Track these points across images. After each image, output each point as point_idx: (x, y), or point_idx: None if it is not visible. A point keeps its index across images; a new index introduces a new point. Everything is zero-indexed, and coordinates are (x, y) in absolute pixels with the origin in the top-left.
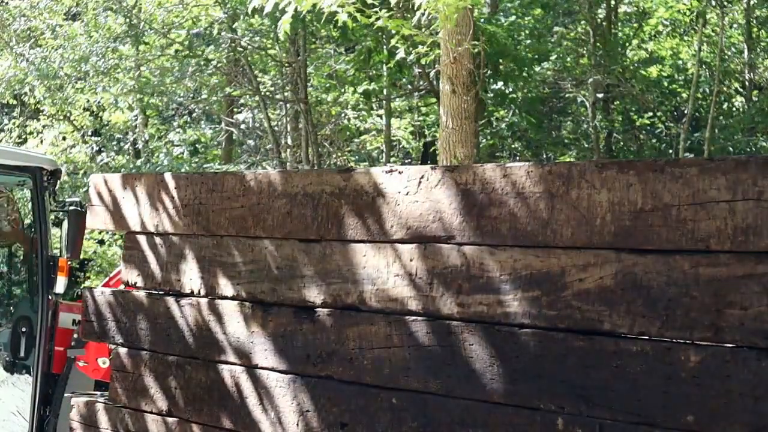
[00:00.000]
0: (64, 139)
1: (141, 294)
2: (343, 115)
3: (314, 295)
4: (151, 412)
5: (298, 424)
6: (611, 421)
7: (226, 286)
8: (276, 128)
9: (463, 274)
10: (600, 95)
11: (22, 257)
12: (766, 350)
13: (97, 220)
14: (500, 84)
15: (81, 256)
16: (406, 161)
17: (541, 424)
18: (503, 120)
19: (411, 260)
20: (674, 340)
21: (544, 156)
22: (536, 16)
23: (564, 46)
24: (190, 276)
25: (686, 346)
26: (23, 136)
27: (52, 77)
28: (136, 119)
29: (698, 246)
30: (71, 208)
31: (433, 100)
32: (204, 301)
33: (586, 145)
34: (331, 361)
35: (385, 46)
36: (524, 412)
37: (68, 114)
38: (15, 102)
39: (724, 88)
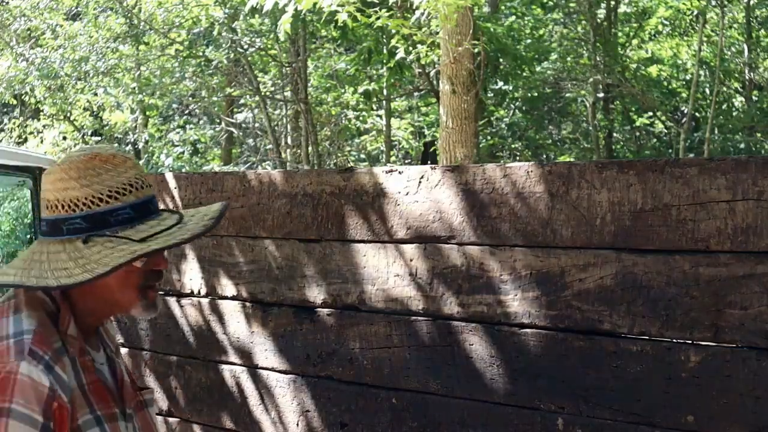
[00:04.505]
0: (64, 139)
1: None
2: (343, 115)
3: (314, 295)
4: None
5: (298, 424)
6: (611, 421)
7: (226, 286)
8: (276, 128)
9: (464, 274)
10: (600, 95)
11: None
12: (766, 350)
13: None
14: (500, 84)
15: None
16: (406, 161)
17: (541, 424)
18: (503, 120)
19: (411, 260)
20: (674, 340)
21: (544, 156)
22: (536, 15)
23: (564, 46)
24: (191, 276)
25: (686, 346)
26: (23, 136)
27: (52, 77)
28: (137, 120)
29: (698, 246)
30: None
31: (433, 100)
32: (204, 301)
33: (586, 145)
34: (331, 361)
35: (385, 46)
36: (524, 412)
37: (68, 114)
38: (15, 102)
39: (724, 88)
